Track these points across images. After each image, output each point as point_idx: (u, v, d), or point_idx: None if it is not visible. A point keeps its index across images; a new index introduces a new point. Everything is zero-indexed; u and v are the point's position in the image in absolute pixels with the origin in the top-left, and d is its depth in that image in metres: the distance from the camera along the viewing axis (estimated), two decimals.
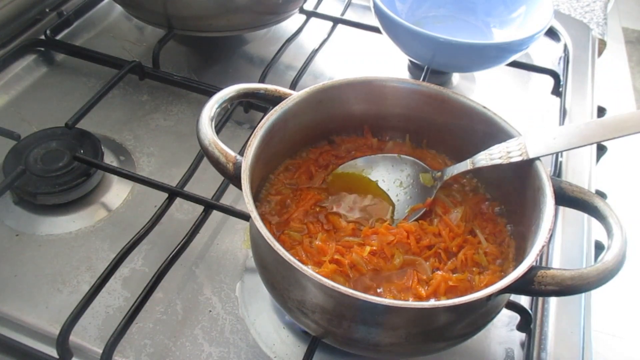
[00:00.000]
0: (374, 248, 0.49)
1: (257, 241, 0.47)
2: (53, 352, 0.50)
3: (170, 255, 0.55)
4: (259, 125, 0.50)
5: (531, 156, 0.49)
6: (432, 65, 0.77)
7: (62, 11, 0.87)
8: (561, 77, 0.83)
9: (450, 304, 0.40)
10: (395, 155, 0.58)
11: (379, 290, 0.47)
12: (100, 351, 0.49)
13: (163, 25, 0.79)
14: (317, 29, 0.87)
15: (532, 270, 0.42)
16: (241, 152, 0.48)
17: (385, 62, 0.86)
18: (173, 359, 0.52)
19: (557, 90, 0.83)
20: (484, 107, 0.54)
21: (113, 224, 0.62)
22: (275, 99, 0.53)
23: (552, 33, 0.92)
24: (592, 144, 0.50)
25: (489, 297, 0.42)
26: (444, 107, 0.55)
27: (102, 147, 0.67)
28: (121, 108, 0.75)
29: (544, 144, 0.49)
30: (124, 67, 0.76)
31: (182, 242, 0.56)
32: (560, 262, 0.62)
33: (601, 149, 0.80)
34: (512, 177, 0.52)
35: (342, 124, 0.59)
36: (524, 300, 0.57)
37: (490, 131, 0.53)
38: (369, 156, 0.58)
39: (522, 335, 0.56)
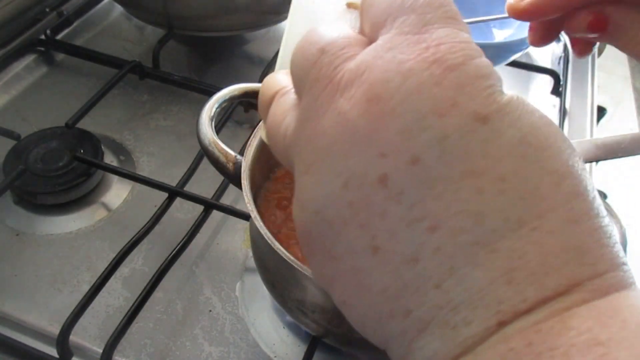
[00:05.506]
0: None
1: (257, 241, 0.47)
2: (53, 352, 0.50)
3: (170, 255, 0.55)
4: (259, 125, 0.50)
5: None
6: None
7: (62, 11, 0.87)
8: (561, 77, 0.83)
9: None
10: None
11: None
12: (101, 351, 0.49)
13: (163, 25, 0.79)
14: None
15: None
16: (241, 152, 0.48)
17: None
18: (173, 358, 0.52)
19: (557, 90, 0.83)
20: None
21: (113, 224, 0.62)
22: None
23: None
24: (585, 162, 0.50)
25: None
26: None
27: (102, 147, 0.67)
28: (121, 108, 0.75)
29: None
30: (124, 67, 0.76)
31: (182, 242, 0.56)
32: None
33: None
34: None
35: None
36: None
37: None
38: None
39: None
